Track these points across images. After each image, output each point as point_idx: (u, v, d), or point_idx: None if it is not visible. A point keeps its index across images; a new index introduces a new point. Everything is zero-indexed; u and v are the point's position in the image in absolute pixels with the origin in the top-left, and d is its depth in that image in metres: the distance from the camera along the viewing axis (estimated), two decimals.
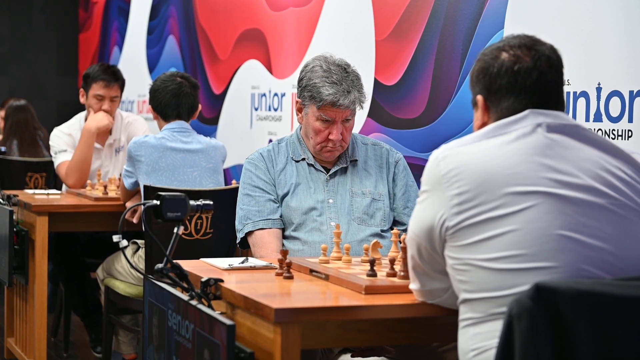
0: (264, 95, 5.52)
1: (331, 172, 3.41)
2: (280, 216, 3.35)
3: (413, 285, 2.35)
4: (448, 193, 2.10)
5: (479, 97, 2.24)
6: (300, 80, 3.40)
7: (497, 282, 2.05)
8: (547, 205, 2.05)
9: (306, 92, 3.34)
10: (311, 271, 2.73)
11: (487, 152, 2.12)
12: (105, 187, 4.80)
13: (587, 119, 3.18)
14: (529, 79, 2.17)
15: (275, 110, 5.38)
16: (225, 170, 5.47)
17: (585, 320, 1.86)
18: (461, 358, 2.15)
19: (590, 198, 2.07)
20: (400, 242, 2.60)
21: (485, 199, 2.07)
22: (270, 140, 5.36)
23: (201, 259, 2.92)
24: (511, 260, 2.04)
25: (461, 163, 2.11)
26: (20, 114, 6.64)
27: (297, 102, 3.42)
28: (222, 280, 2.50)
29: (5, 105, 7.52)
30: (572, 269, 2.02)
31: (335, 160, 3.43)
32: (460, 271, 2.12)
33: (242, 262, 2.82)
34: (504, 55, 2.20)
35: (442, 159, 2.14)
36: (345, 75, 3.32)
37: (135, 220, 4.47)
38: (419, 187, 3.49)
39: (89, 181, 5.00)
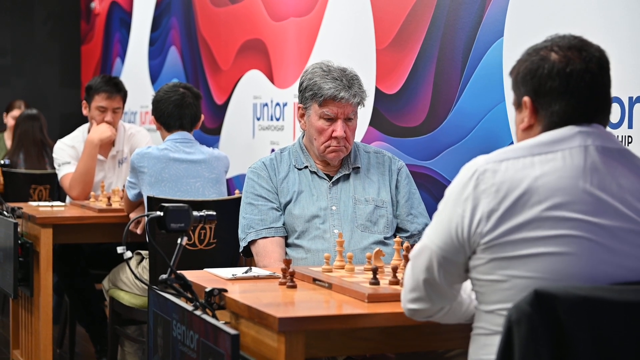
0: (266, 105, 5.54)
1: (334, 179, 3.42)
2: (283, 224, 3.37)
3: (412, 305, 2.25)
4: (483, 208, 2.05)
5: (527, 99, 2.16)
6: (300, 84, 3.42)
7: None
8: (584, 239, 2.02)
9: (307, 92, 3.37)
10: (314, 280, 2.74)
11: (530, 170, 2.06)
12: (108, 198, 4.82)
13: None
14: (581, 82, 2.10)
15: (277, 119, 5.40)
16: (228, 180, 5.48)
17: (584, 325, 1.87)
18: None
19: (624, 225, 2.05)
20: (403, 250, 2.61)
21: (524, 218, 2.03)
22: (273, 150, 5.37)
23: (205, 269, 2.94)
24: (541, 283, 1.99)
25: (501, 179, 2.06)
26: (28, 122, 6.63)
27: (298, 107, 3.44)
28: (226, 290, 2.52)
29: (11, 109, 7.56)
30: None
31: (337, 167, 3.45)
32: (484, 284, 2.09)
33: (246, 272, 2.84)
34: (554, 56, 2.13)
35: (482, 173, 2.08)
36: (344, 74, 3.36)
37: (139, 232, 4.48)
38: (421, 195, 3.53)
39: (92, 193, 5.01)
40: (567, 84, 2.10)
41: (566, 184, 2.05)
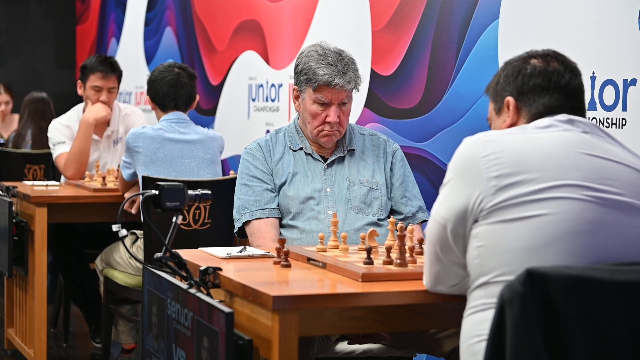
0: (261, 86, 5.54)
1: (329, 161, 3.43)
2: (278, 205, 3.37)
3: (435, 282, 2.34)
4: (486, 175, 2.12)
5: (510, 99, 2.29)
6: (296, 66, 3.42)
7: (522, 263, 2.05)
8: (579, 201, 2.09)
9: (302, 75, 3.37)
10: (309, 259, 2.75)
11: (527, 140, 2.16)
12: (103, 178, 4.82)
13: None
14: (562, 80, 2.25)
15: (273, 101, 5.40)
16: (223, 161, 5.49)
17: (576, 305, 1.88)
18: (463, 343, 2.17)
19: (618, 190, 2.13)
20: (397, 231, 2.62)
21: (524, 183, 2.10)
22: (268, 131, 5.38)
23: (200, 249, 2.94)
24: (540, 242, 2.07)
25: (502, 148, 2.14)
26: (40, 104, 6.65)
27: (294, 89, 3.44)
28: (220, 269, 2.52)
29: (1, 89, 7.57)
30: (592, 262, 2.06)
31: (332, 149, 3.45)
32: (485, 250, 2.13)
33: (241, 251, 2.85)
34: (534, 60, 2.29)
35: (481, 143, 2.16)
36: (340, 59, 3.35)
37: (133, 211, 4.49)
38: (415, 176, 3.54)
39: (87, 172, 5.02)
40: (550, 81, 2.26)
41: (563, 154, 2.13)
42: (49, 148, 5.98)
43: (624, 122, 3.07)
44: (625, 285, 1.92)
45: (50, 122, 6.57)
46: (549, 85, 2.25)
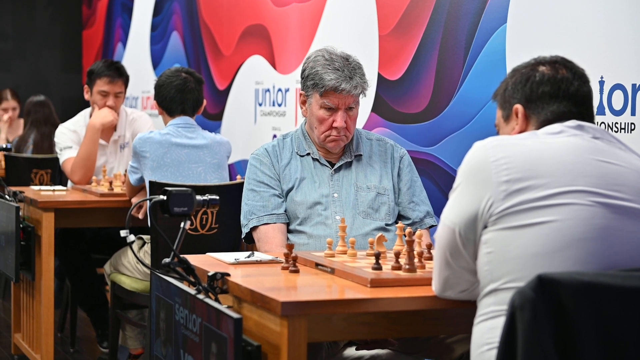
0: (268, 90, 5.54)
1: (336, 166, 3.42)
2: (285, 211, 3.37)
3: (445, 288, 2.33)
4: (497, 179, 2.12)
5: (518, 106, 2.29)
6: (302, 71, 3.42)
7: (531, 269, 2.05)
8: (587, 208, 2.09)
9: (309, 81, 3.36)
10: (317, 265, 2.75)
11: (537, 145, 2.16)
12: (110, 183, 4.82)
13: None
14: (571, 87, 2.25)
15: (279, 105, 5.40)
16: (229, 166, 5.48)
17: (587, 311, 1.88)
18: (474, 351, 2.16)
19: (627, 196, 2.13)
20: (405, 236, 2.62)
21: (534, 188, 2.10)
22: (275, 136, 5.38)
23: (207, 254, 2.93)
24: (549, 248, 2.07)
25: (512, 152, 2.14)
26: (40, 109, 6.67)
27: (300, 94, 3.44)
28: (228, 274, 2.52)
29: (4, 96, 7.58)
30: (601, 268, 2.06)
31: (339, 154, 3.45)
32: (495, 257, 2.12)
33: (248, 257, 2.84)
34: (542, 67, 2.29)
35: (491, 147, 2.16)
36: (347, 63, 3.35)
37: (140, 216, 4.49)
38: (423, 181, 3.53)
39: (94, 177, 5.01)
40: (559, 88, 2.25)
41: (573, 159, 2.13)
42: (49, 153, 5.98)
43: (632, 127, 3.06)
44: (637, 292, 1.91)
45: (52, 125, 6.58)
46: (557, 93, 2.25)
